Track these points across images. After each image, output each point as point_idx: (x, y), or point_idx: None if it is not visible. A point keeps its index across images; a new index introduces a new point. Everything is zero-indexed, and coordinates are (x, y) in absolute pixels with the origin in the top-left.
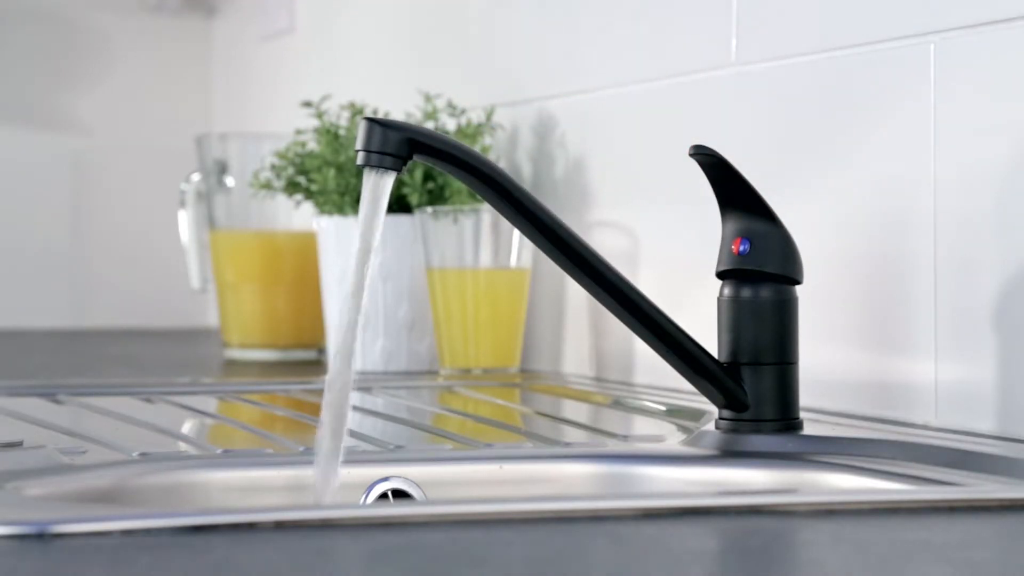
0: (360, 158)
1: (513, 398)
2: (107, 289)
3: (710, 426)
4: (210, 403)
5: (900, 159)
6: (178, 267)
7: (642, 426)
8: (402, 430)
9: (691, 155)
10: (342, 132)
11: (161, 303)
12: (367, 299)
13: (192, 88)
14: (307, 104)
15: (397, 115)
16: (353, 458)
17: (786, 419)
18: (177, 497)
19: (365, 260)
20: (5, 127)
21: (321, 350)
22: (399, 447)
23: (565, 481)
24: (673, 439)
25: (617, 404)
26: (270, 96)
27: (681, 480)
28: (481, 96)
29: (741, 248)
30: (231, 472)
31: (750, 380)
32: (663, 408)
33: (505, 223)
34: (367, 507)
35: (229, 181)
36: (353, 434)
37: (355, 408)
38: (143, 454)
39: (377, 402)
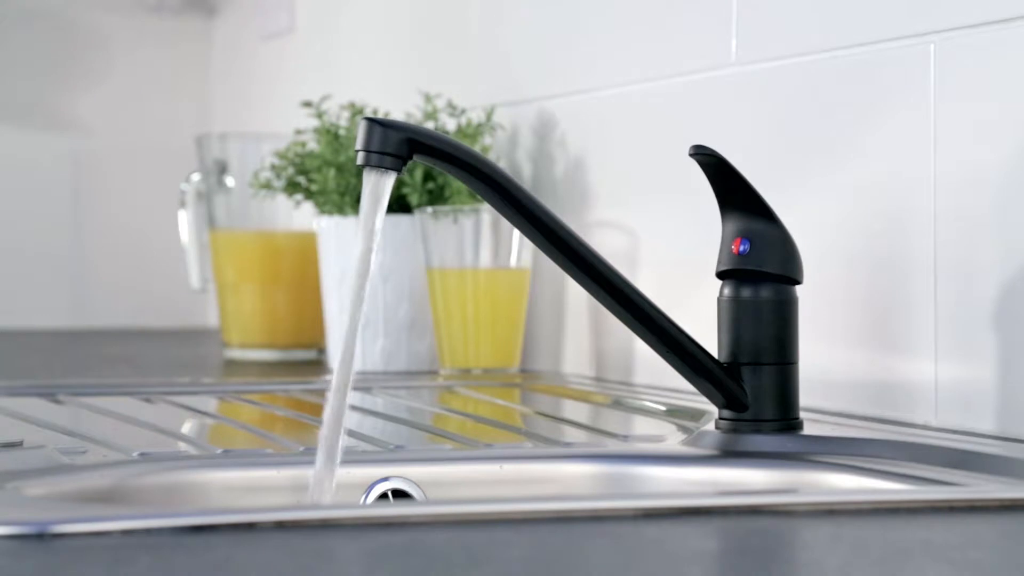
0: (360, 158)
1: (513, 398)
2: (107, 289)
3: (710, 426)
4: (210, 403)
5: (900, 159)
6: (178, 267)
7: (642, 426)
8: (402, 430)
9: (691, 155)
10: (342, 132)
11: (161, 303)
12: (367, 299)
13: (192, 88)
14: (307, 104)
15: (397, 115)
16: (353, 458)
17: (786, 419)
18: (177, 497)
19: (366, 260)
20: (5, 127)
21: (321, 350)
22: (399, 447)
23: (565, 481)
24: (673, 439)
25: (617, 404)
26: (270, 96)
27: (681, 480)
28: (481, 96)
29: (741, 248)
30: (231, 472)
31: (750, 380)
32: (663, 408)
33: (505, 223)
34: (367, 507)
35: (229, 181)
36: (353, 434)
37: (355, 408)
38: (143, 454)
39: (377, 402)
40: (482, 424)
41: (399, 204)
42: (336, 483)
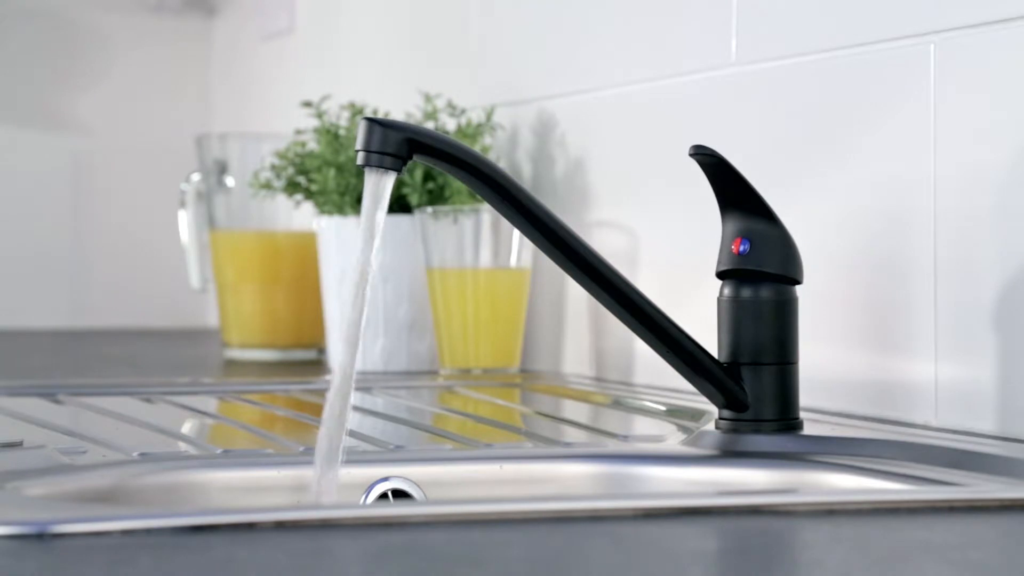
0: (360, 158)
1: (513, 398)
2: (107, 289)
3: (710, 426)
4: (210, 403)
5: (900, 159)
6: (178, 267)
7: (642, 426)
8: (402, 430)
9: (691, 155)
10: (342, 132)
11: (161, 303)
12: (368, 299)
13: (192, 88)
14: (307, 104)
15: (397, 115)
16: (353, 458)
17: (786, 419)
18: (177, 497)
19: (366, 260)
20: (5, 127)
21: (321, 350)
22: (399, 447)
23: (565, 481)
24: (673, 439)
25: (617, 404)
26: (270, 96)
27: (681, 480)
28: (481, 96)
29: (741, 248)
30: (231, 472)
31: (750, 380)
32: (663, 408)
33: (505, 223)
34: (367, 507)
35: (229, 181)
36: (353, 434)
37: (355, 408)
38: (143, 454)
39: (377, 402)
40: (482, 424)
41: (399, 204)
42: (336, 483)
